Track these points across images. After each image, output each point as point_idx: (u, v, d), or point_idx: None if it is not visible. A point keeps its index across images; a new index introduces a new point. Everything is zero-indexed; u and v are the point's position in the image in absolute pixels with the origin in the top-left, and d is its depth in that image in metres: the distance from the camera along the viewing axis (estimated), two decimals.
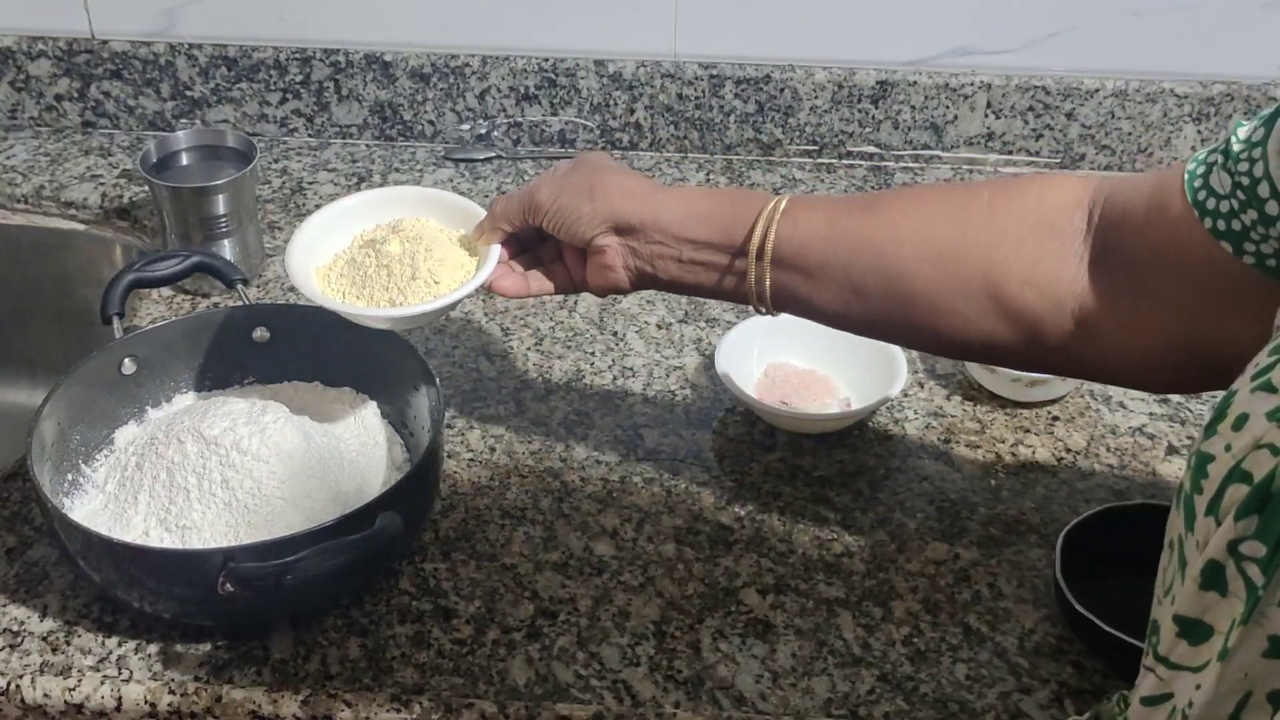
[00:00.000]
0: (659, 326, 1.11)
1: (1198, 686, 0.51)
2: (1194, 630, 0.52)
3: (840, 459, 0.97)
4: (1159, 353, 0.73)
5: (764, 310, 0.81)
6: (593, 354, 1.08)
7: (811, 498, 0.93)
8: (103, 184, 1.30)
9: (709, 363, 1.05)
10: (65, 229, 1.28)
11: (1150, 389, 0.83)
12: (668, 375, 1.05)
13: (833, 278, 0.78)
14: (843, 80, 1.31)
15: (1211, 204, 0.67)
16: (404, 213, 0.90)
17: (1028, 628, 0.83)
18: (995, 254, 0.74)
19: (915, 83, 1.31)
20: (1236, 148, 0.65)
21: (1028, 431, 1.00)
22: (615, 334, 1.10)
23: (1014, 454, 0.98)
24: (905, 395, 1.03)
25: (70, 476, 0.89)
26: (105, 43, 1.34)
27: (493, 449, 0.97)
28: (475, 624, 0.83)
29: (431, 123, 1.37)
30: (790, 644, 0.82)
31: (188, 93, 1.36)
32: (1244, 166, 0.65)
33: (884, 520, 0.91)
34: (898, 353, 1.00)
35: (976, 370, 1.03)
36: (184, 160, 1.17)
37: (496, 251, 0.85)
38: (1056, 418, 1.01)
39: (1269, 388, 0.50)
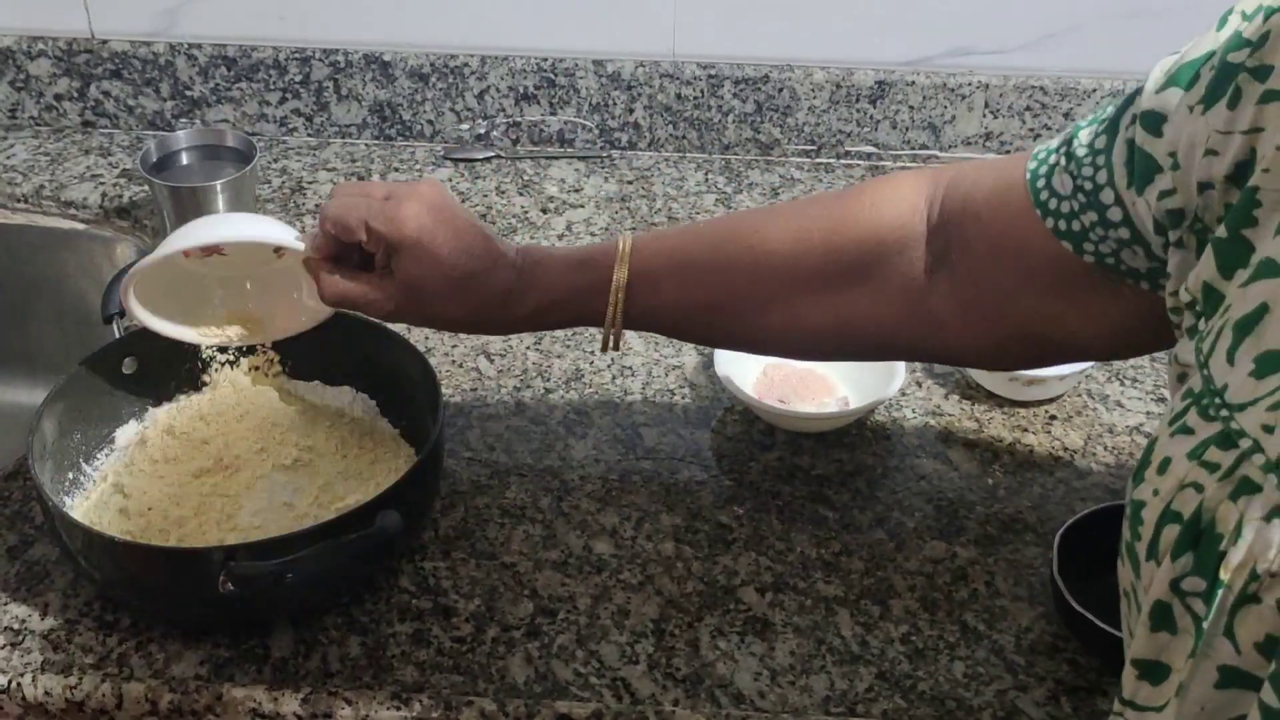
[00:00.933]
0: None
1: None
2: (1153, 672, 0.53)
3: (838, 458, 0.97)
4: (1000, 339, 0.76)
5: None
6: (592, 353, 1.08)
7: (810, 496, 0.93)
8: (103, 183, 1.30)
9: (708, 362, 1.05)
10: (65, 228, 1.28)
11: (995, 369, 0.87)
12: (667, 374, 1.06)
13: (690, 337, 0.86)
14: (841, 80, 1.32)
15: (1054, 204, 0.68)
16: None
17: (1024, 626, 0.84)
18: (846, 298, 0.77)
19: (913, 83, 1.31)
20: (1080, 152, 0.67)
21: (1025, 430, 1.00)
22: None
23: (1011, 453, 0.98)
24: (903, 394, 1.03)
25: (71, 475, 0.89)
26: (105, 42, 1.34)
27: (492, 448, 0.97)
28: (475, 622, 0.83)
29: (431, 122, 1.37)
30: (789, 642, 0.82)
31: (187, 92, 1.37)
32: (1088, 172, 0.66)
33: (882, 519, 0.92)
34: None
35: (974, 370, 1.03)
36: (184, 160, 1.17)
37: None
38: (1054, 417, 1.02)
39: (1185, 430, 0.52)
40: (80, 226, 1.28)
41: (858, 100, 1.32)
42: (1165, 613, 0.52)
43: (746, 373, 1.02)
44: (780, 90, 1.32)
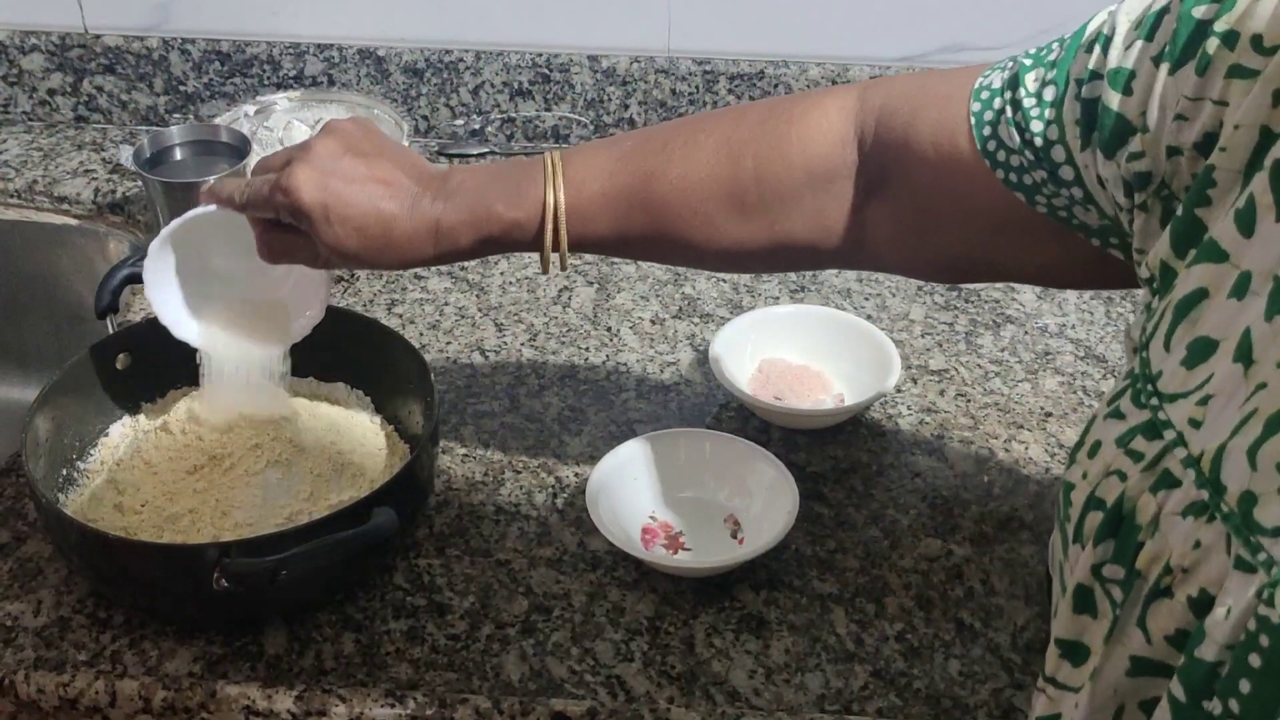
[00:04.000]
0: (653, 322, 1.11)
1: (1076, 706, 0.53)
2: (1073, 651, 0.54)
3: (834, 455, 0.97)
4: (936, 263, 0.75)
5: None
6: (586, 349, 1.08)
7: (805, 494, 0.93)
8: (96, 179, 1.30)
9: (703, 358, 1.05)
10: (58, 224, 1.28)
11: (922, 279, 0.86)
12: (662, 370, 1.05)
13: (627, 257, 0.80)
14: (836, 76, 1.31)
15: (1002, 156, 0.65)
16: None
17: (1020, 624, 0.84)
18: (779, 223, 0.74)
19: None
20: (1027, 103, 0.64)
21: (1020, 428, 1.00)
22: (609, 329, 1.10)
23: (1007, 450, 0.98)
24: (899, 391, 1.03)
25: (64, 472, 0.89)
26: (98, 37, 1.34)
27: (487, 444, 0.97)
28: (469, 619, 0.83)
29: (425, 118, 1.37)
30: (784, 640, 0.82)
31: (181, 87, 1.36)
32: (1036, 126, 0.63)
33: (877, 516, 0.92)
34: (892, 349, 1.00)
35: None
36: (177, 155, 1.17)
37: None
38: (1049, 414, 1.01)
39: (1118, 414, 0.52)
40: (73, 222, 1.28)
41: None
42: (1087, 596, 0.52)
43: (742, 369, 1.02)
44: (775, 86, 1.32)
